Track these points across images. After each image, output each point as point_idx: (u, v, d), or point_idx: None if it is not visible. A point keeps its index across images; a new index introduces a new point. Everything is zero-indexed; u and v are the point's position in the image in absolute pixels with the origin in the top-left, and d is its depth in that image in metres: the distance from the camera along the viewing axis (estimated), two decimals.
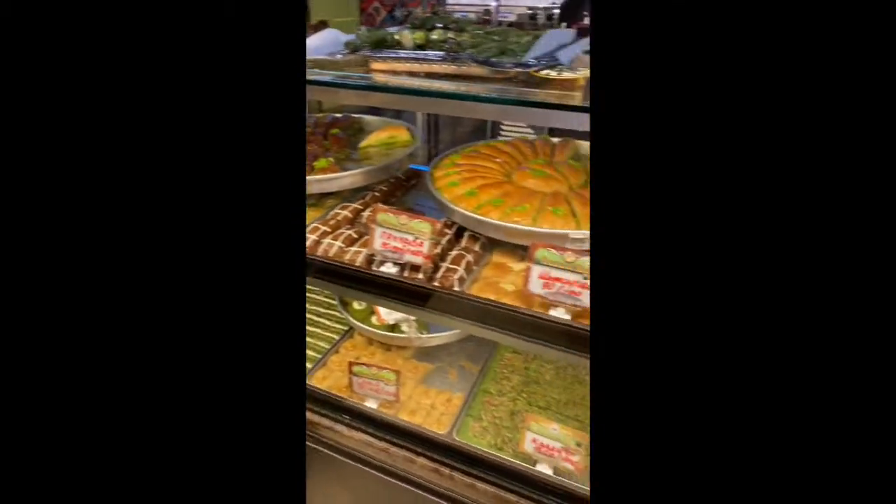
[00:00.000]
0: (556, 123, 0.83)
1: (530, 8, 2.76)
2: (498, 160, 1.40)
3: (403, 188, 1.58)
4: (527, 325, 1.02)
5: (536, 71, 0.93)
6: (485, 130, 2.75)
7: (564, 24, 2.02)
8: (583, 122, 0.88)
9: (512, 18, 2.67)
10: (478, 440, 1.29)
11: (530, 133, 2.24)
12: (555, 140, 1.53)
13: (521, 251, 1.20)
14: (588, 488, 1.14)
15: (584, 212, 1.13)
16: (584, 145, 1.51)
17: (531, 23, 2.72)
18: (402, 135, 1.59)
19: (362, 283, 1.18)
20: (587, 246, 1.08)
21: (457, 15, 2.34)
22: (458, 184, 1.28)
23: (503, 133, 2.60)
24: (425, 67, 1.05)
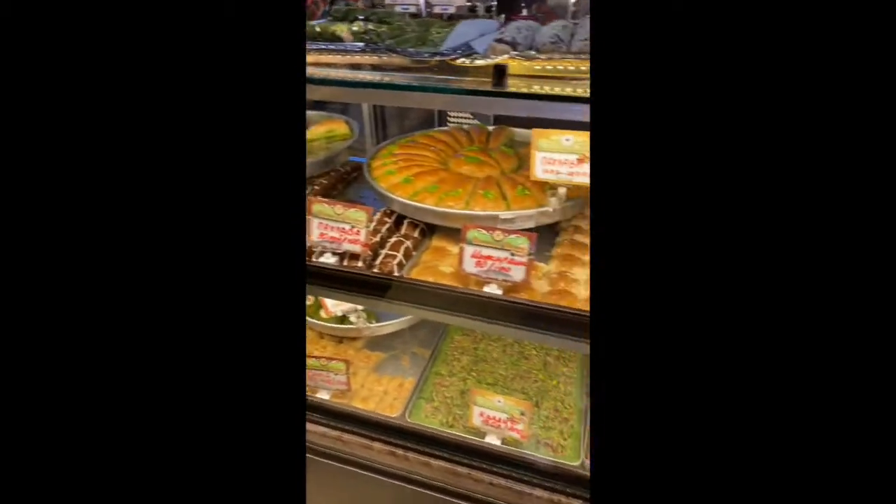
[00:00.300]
0: (473, 109, 0.88)
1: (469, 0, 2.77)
2: (434, 149, 1.44)
3: (345, 181, 1.59)
4: (462, 302, 1.07)
5: (452, 60, 0.97)
6: (432, 122, 2.78)
7: (503, 16, 2.07)
8: (501, 106, 0.94)
9: (452, 11, 2.69)
10: (430, 420, 1.34)
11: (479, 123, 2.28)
12: (490, 128, 1.59)
13: (459, 235, 1.24)
14: (532, 454, 1.22)
15: (512, 194, 1.19)
16: (518, 132, 1.57)
17: (471, 14, 2.76)
18: (340, 128, 1.60)
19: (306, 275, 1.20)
20: (516, 225, 1.14)
21: (398, 8, 2.34)
22: (394, 172, 1.31)
23: (450, 123, 2.64)
24: (347, 59, 1.07)
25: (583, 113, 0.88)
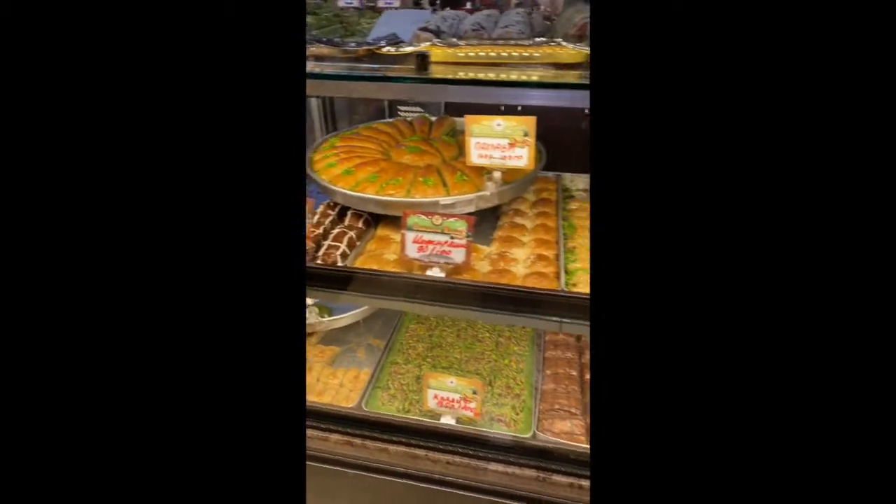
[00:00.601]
0: (399, 96, 0.90)
1: None
2: (376, 140, 1.45)
3: None
4: (404, 287, 1.10)
5: (378, 49, 0.99)
6: (382, 115, 2.78)
7: (448, 8, 2.10)
8: (426, 93, 0.96)
9: (396, 5, 2.69)
10: (386, 407, 1.35)
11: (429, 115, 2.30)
12: (433, 118, 1.62)
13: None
14: (486, 430, 1.26)
15: (452, 180, 1.23)
16: (461, 121, 1.61)
17: (417, 7, 2.78)
18: None
19: None
20: (457, 210, 1.18)
21: (340, 3, 2.33)
22: (335, 164, 1.31)
23: (400, 115, 2.64)
24: None
25: (525, 97, 0.93)
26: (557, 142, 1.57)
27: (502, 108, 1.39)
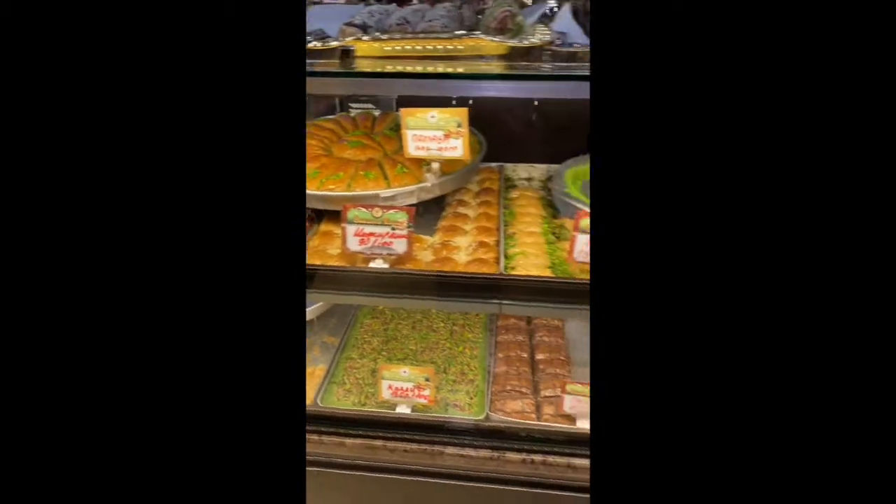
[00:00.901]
0: (324, 90, 0.90)
1: None
2: (318, 137, 1.45)
3: None
4: (350, 280, 1.11)
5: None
6: (333, 113, 2.75)
7: (395, 5, 2.11)
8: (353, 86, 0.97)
9: (342, 2, 2.67)
10: (342, 402, 1.36)
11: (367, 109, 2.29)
12: (376, 113, 1.63)
13: None
14: (441, 415, 1.30)
15: (392, 173, 1.25)
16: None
17: (363, 2, 2.76)
18: None
19: None
20: (398, 203, 1.20)
21: None
22: None
23: (353, 112, 2.62)
24: None
25: (475, 90, 0.95)
26: (504, 133, 1.62)
27: (454, 101, 1.42)
